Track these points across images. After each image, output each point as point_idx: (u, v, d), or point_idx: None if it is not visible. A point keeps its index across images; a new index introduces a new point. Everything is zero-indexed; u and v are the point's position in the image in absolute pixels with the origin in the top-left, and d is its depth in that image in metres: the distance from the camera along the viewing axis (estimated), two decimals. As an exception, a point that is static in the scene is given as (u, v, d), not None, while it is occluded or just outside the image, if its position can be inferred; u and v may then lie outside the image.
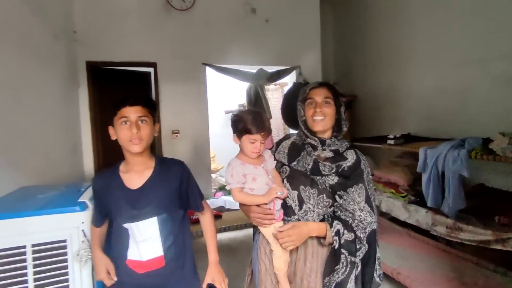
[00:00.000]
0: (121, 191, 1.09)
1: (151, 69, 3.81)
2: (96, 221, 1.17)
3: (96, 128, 3.65)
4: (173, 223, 1.14)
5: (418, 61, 3.49)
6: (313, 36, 4.26)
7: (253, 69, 4.05)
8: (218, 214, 3.74)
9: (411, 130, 3.34)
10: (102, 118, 3.66)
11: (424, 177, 2.26)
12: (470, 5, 2.84)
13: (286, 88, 4.38)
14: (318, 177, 1.13)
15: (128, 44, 3.66)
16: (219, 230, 3.39)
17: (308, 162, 1.15)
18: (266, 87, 4.36)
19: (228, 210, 3.93)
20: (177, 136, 3.85)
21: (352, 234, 1.08)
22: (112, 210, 1.10)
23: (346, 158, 1.16)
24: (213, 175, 4.76)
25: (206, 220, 1.27)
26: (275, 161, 1.23)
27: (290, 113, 3.93)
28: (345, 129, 1.20)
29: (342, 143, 1.19)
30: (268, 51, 4.11)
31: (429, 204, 2.23)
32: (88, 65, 3.56)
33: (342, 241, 1.07)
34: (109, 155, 3.67)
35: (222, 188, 4.77)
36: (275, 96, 4.89)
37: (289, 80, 4.43)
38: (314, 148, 1.17)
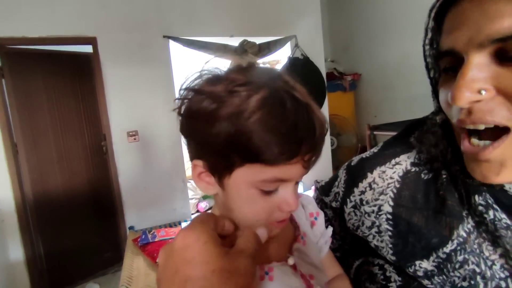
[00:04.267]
0: None
1: (88, 47, 2.66)
2: None
3: (12, 138, 2.48)
4: None
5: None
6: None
7: (235, 42, 3.03)
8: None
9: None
10: (25, 122, 2.52)
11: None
12: None
13: (279, 67, 3.40)
14: None
15: (49, 10, 2.50)
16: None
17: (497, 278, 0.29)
18: (252, 67, 3.34)
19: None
20: (134, 139, 2.74)
21: None
22: None
23: None
24: (190, 184, 3.72)
25: None
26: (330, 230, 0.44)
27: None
28: None
29: None
30: (253, 17, 3.11)
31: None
32: (-14, 43, 2.37)
33: None
34: (41, 174, 2.58)
35: (206, 197, 3.73)
36: (263, 79, 3.88)
37: (281, 57, 3.45)
38: None
